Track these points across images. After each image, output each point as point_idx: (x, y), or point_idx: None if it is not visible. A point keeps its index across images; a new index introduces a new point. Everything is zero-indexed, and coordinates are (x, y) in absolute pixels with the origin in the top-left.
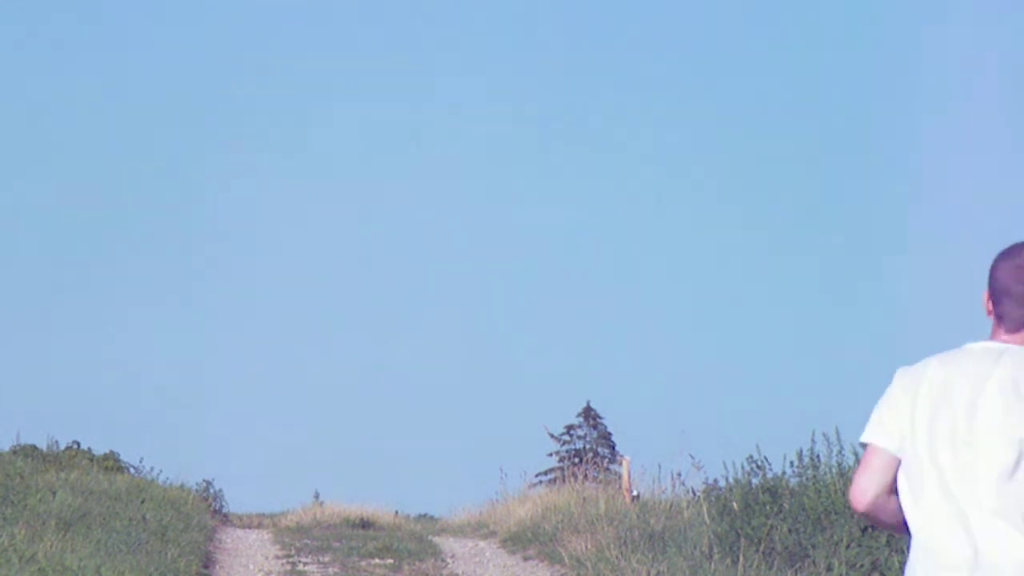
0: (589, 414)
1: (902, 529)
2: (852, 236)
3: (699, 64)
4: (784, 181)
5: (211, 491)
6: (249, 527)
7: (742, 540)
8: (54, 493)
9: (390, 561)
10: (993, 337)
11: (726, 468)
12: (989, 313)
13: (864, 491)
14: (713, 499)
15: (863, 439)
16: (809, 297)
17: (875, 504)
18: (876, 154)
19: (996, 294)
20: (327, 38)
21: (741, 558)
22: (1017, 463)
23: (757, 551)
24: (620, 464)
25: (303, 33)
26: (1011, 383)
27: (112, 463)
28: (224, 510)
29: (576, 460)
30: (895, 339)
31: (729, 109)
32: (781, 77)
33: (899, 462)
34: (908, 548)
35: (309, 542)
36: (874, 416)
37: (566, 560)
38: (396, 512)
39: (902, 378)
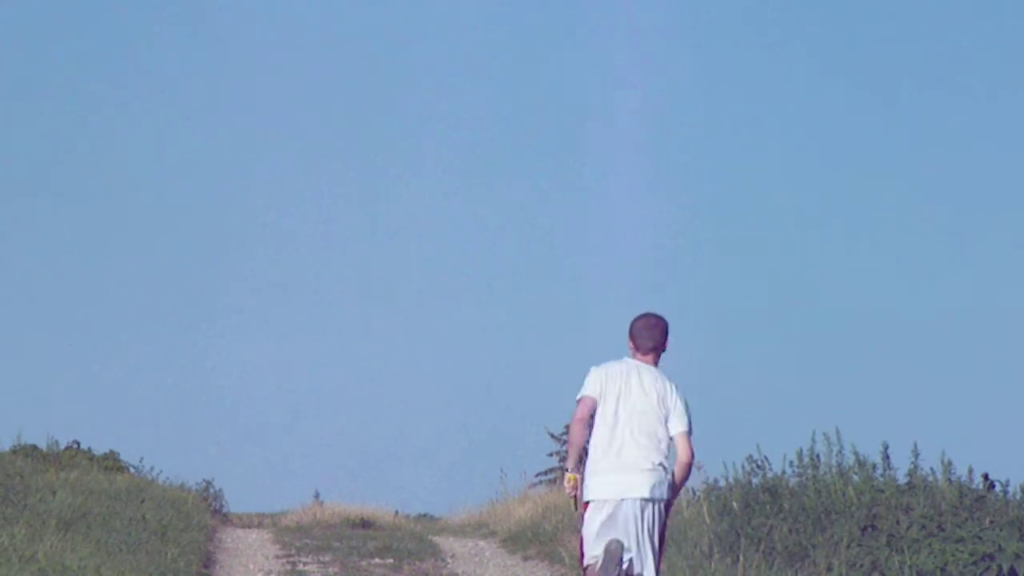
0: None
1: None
2: (852, 233)
3: (695, 64)
4: (785, 180)
5: (211, 491)
6: (249, 527)
7: (742, 540)
8: (54, 493)
9: (390, 561)
10: (634, 357)
11: (726, 468)
12: (631, 349)
13: (582, 417)
14: (713, 499)
15: (582, 394)
16: (809, 296)
17: (583, 422)
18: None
19: (635, 338)
20: (325, 37)
21: (741, 558)
22: (651, 407)
23: (757, 551)
24: None
25: (302, 33)
26: (649, 376)
27: (112, 463)
28: (224, 510)
29: None
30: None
31: (726, 108)
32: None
33: (596, 406)
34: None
35: (309, 542)
36: (585, 387)
37: (566, 560)
38: (396, 512)
39: (597, 370)
